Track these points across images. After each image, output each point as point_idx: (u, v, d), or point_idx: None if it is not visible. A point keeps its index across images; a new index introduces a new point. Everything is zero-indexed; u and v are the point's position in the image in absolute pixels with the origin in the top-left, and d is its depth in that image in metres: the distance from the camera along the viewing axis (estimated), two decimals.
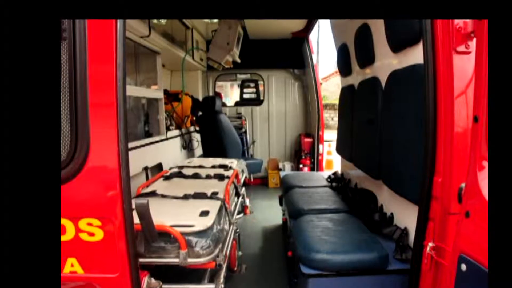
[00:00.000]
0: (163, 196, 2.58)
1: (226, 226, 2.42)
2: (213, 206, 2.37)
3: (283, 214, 4.21)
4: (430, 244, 1.60)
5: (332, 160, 9.10)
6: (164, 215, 2.19)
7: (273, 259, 3.59)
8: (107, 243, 1.62)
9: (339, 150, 3.97)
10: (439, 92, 1.57)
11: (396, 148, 2.22)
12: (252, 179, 7.07)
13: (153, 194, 2.62)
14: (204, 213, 2.25)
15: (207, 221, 2.09)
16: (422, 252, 1.68)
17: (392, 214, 2.55)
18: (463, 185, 1.39)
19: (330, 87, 23.27)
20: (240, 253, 3.17)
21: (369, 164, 2.76)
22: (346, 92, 3.58)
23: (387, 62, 2.53)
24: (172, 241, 1.93)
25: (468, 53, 1.51)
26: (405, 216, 2.34)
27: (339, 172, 4.19)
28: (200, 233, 1.99)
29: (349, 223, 2.50)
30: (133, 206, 1.76)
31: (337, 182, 3.77)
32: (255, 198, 5.99)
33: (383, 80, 2.45)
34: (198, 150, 5.77)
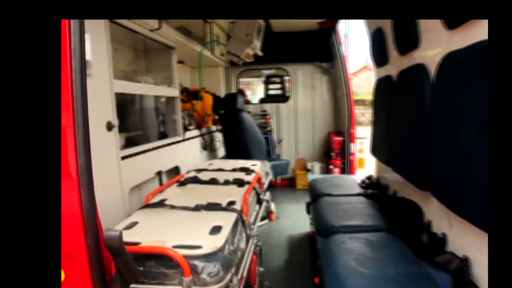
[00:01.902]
0: (172, 207, 2.27)
1: (242, 244, 2.06)
2: (227, 220, 2.03)
3: (311, 224, 3.81)
4: None
5: (364, 158, 8.54)
6: (168, 232, 1.88)
7: (300, 275, 3.21)
8: (70, 286, 1.31)
9: (374, 151, 3.50)
10: None
11: (455, 153, 1.70)
12: (279, 180, 6.71)
13: (161, 204, 2.31)
14: (216, 230, 1.91)
15: (217, 241, 1.74)
16: None
17: (444, 235, 2.00)
18: None
19: (360, 82, 22.47)
20: (261, 269, 2.81)
21: (414, 171, 2.28)
22: (382, 85, 3.12)
23: (438, 43, 2.05)
24: (174, 266, 1.60)
25: None
26: (465, 240, 1.82)
27: (374, 176, 3.73)
28: (208, 257, 1.64)
29: (390, 247, 2.06)
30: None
31: (372, 189, 3.32)
32: (282, 202, 5.60)
33: (432, 66, 1.99)
34: (221, 151, 5.46)
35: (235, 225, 2.05)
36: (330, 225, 2.49)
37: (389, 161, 2.92)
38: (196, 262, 1.61)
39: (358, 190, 3.40)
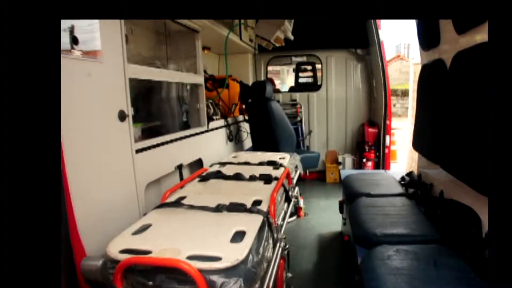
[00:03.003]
0: (190, 206, 2.03)
1: (269, 252, 1.80)
2: (252, 224, 1.77)
3: (343, 224, 3.48)
4: None
5: (396, 150, 8.05)
6: (184, 238, 1.64)
7: (330, 282, 2.92)
8: None
9: (417, 145, 3.11)
10: None
11: None
12: (307, 174, 6.39)
13: (178, 203, 2.08)
14: (239, 236, 1.66)
15: (240, 252, 1.49)
16: None
17: None
18: None
19: (391, 72, 21.63)
20: (289, 274, 2.54)
21: (471, 171, 1.92)
22: (431, 70, 2.72)
23: None
24: (189, 281, 1.36)
25: None
26: None
27: (415, 172, 3.35)
28: (228, 271, 1.39)
29: (446, 264, 1.71)
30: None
31: (414, 188, 2.96)
32: (311, 197, 5.30)
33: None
34: (248, 142, 5.21)
35: (261, 229, 1.79)
36: (372, 234, 2.16)
37: (436, 157, 2.55)
38: (214, 278, 1.36)
39: (399, 189, 3.03)
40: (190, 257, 1.44)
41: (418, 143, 3.08)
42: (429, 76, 2.79)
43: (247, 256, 1.49)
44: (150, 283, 1.39)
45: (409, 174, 3.38)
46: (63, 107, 1.68)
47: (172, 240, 1.62)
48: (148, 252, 1.51)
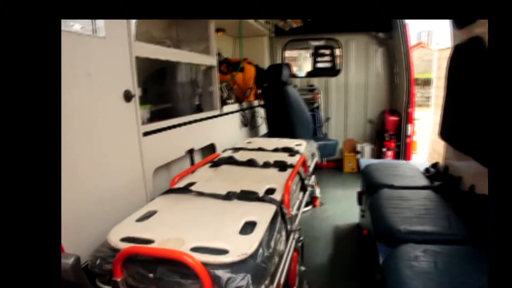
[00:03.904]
0: (199, 193, 1.91)
1: (281, 245, 1.66)
2: (264, 214, 1.64)
3: (361, 217, 3.29)
4: None
5: (416, 141, 7.74)
6: (190, 227, 1.53)
7: (346, 278, 2.77)
8: None
9: (445, 135, 2.88)
10: None
11: None
12: (324, 162, 6.20)
13: (186, 190, 1.96)
14: (249, 227, 1.53)
15: (249, 245, 1.36)
16: None
17: None
18: None
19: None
20: (302, 268, 2.41)
21: None
22: (465, 51, 2.48)
23: None
24: (192, 275, 1.24)
25: None
26: None
27: (441, 164, 3.13)
28: (235, 266, 1.27)
29: (482, 270, 1.50)
30: None
31: (440, 180, 2.75)
32: (327, 186, 5.12)
33: None
34: (263, 128, 5.05)
35: (273, 220, 1.65)
36: (396, 230, 1.97)
37: (468, 149, 2.33)
38: (219, 273, 1.24)
39: (424, 181, 2.82)
40: (195, 249, 1.33)
41: (447, 132, 2.85)
42: (463, 57, 2.54)
43: (257, 250, 1.36)
44: (151, 275, 1.28)
45: (435, 165, 3.16)
46: (62, 84, 1.58)
47: (176, 229, 1.50)
48: (151, 242, 1.40)
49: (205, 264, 1.23)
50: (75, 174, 1.68)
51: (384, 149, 5.45)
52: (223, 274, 1.23)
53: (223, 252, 1.31)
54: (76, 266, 1.22)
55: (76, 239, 1.69)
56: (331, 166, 6.25)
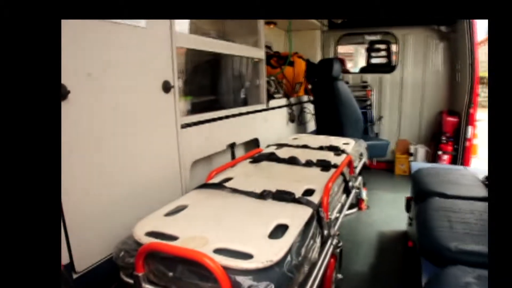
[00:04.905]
0: (233, 190, 1.84)
1: (314, 253, 1.53)
2: (298, 217, 1.53)
3: (409, 225, 3.02)
4: None
5: (477, 144, 7.06)
6: (216, 226, 1.46)
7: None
8: None
9: None
10: None
11: None
12: (374, 163, 5.88)
13: (219, 185, 1.90)
14: (280, 231, 1.43)
15: (276, 251, 1.26)
16: None
17: None
18: None
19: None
20: (339, 276, 2.26)
21: None
22: None
23: None
24: (212, 278, 1.17)
25: None
26: None
27: None
28: (258, 273, 1.18)
29: None
30: None
31: None
32: (375, 188, 4.83)
33: None
34: (312, 125, 4.89)
35: (307, 224, 1.54)
36: (444, 247, 1.73)
37: None
38: (240, 279, 1.15)
39: (482, 191, 2.48)
40: (218, 250, 1.26)
41: None
42: None
43: (284, 257, 1.26)
44: (171, 274, 1.23)
45: None
46: (98, 73, 1.59)
47: (203, 226, 1.45)
48: (175, 238, 1.36)
49: (226, 268, 1.15)
50: (107, 164, 1.68)
51: (439, 152, 5.02)
52: (244, 281, 1.15)
53: (248, 256, 1.23)
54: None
55: (108, 230, 1.70)
56: (382, 167, 5.92)
